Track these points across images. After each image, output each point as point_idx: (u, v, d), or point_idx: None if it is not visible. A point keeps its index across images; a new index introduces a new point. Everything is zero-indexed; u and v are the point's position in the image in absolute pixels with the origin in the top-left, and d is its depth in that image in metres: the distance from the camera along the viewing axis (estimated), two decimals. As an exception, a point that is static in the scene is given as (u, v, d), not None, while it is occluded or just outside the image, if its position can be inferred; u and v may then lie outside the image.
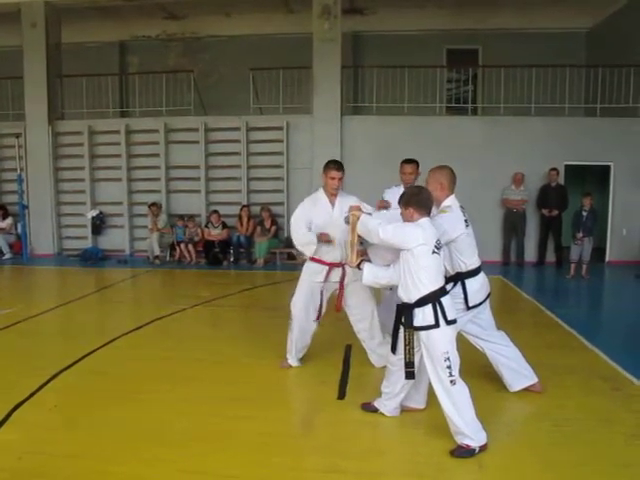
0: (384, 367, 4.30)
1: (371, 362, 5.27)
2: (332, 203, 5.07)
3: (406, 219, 3.76)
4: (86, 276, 11.09)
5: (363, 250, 4.23)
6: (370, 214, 4.22)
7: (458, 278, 4.24)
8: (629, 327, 7.08)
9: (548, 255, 11.85)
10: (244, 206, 12.44)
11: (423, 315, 3.61)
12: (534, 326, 7.07)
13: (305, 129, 12.57)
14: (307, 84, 12.79)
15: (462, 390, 3.63)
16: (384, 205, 5.15)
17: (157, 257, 12.26)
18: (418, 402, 4.20)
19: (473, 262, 4.28)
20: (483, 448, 3.58)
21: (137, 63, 16.15)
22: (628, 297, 9.26)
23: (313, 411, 4.47)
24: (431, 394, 3.92)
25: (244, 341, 6.16)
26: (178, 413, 4.26)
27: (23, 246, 12.75)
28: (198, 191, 12.99)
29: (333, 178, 4.95)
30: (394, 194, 4.76)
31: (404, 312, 3.70)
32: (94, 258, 12.48)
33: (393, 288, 4.29)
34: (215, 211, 12.38)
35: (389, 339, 4.15)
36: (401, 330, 3.77)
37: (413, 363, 3.73)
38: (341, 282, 5.05)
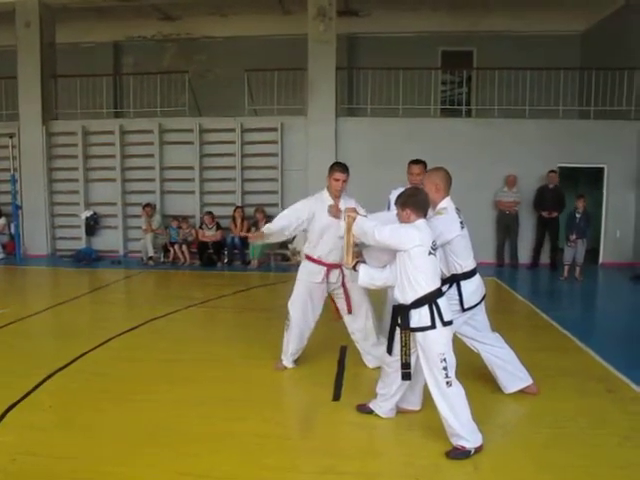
0: (379, 368, 4.31)
1: (365, 363, 5.29)
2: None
3: (403, 220, 3.76)
4: (80, 277, 11.05)
5: (359, 251, 4.23)
6: (365, 216, 4.23)
7: (453, 280, 4.25)
8: (623, 329, 7.11)
9: (543, 257, 11.87)
10: (238, 207, 12.43)
11: (419, 316, 3.62)
12: (528, 328, 7.09)
13: (300, 130, 12.56)
14: (302, 86, 12.79)
15: (458, 391, 3.63)
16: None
17: (151, 258, 12.23)
18: (413, 404, 4.20)
19: (468, 264, 4.28)
20: (478, 450, 3.59)
21: (132, 64, 16.09)
22: (622, 299, 9.30)
23: (308, 412, 4.47)
24: (427, 396, 3.92)
25: (239, 342, 6.15)
26: (173, 414, 4.25)
27: (16, 246, 12.69)
28: (192, 192, 12.97)
29: (337, 180, 4.95)
30: None
31: (400, 313, 3.70)
32: (88, 259, 12.44)
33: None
34: (209, 212, 12.36)
35: (383, 340, 4.16)
36: (397, 331, 3.77)
37: (409, 364, 3.73)
38: (343, 284, 5.06)
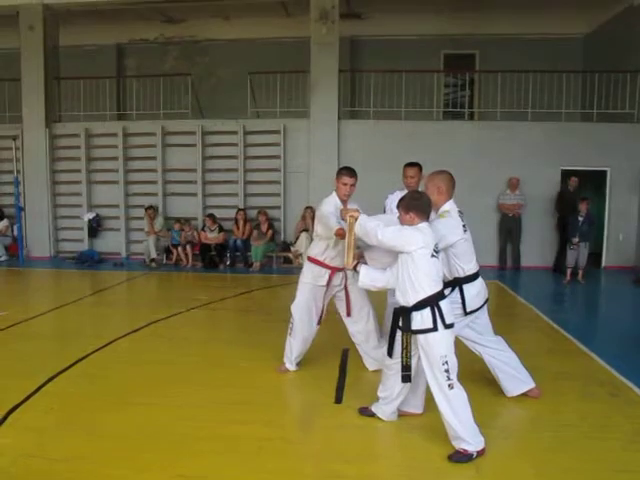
0: (380, 371, 4.29)
1: (366, 366, 5.28)
2: None
3: (406, 223, 3.75)
4: (82, 279, 11.05)
5: (360, 252, 4.22)
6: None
7: (456, 283, 4.24)
8: (626, 332, 7.08)
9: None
10: (240, 209, 12.43)
11: (421, 318, 3.61)
12: (531, 331, 7.06)
13: (302, 133, 12.57)
14: (304, 88, 12.81)
15: (460, 394, 3.62)
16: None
17: (153, 260, 12.23)
18: (416, 407, 4.19)
19: (471, 267, 4.27)
20: (481, 453, 3.58)
21: (135, 66, 16.13)
22: (625, 302, 9.28)
23: (310, 415, 4.46)
24: (428, 399, 3.92)
25: (241, 345, 6.14)
26: (175, 417, 4.25)
27: (19, 248, 12.71)
28: (195, 194, 12.98)
29: (345, 184, 4.94)
30: (397, 200, 4.72)
31: (402, 315, 3.70)
32: (90, 261, 12.45)
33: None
34: (211, 214, 12.36)
35: (384, 343, 4.15)
36: (398, 333, 3.76)
37: (410, 367, 3.73)
38: (345, 287, 5.06)
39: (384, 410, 4.10)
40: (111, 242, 13.35)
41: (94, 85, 13.88)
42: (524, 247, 11.99)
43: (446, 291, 3.89)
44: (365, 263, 4.10)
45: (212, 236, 12.22)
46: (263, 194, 12.83)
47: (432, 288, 3.63)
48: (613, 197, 12.04)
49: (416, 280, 3.61)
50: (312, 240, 5.32)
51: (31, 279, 10.55)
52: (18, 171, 12.87)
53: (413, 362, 3.74)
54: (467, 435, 3.56)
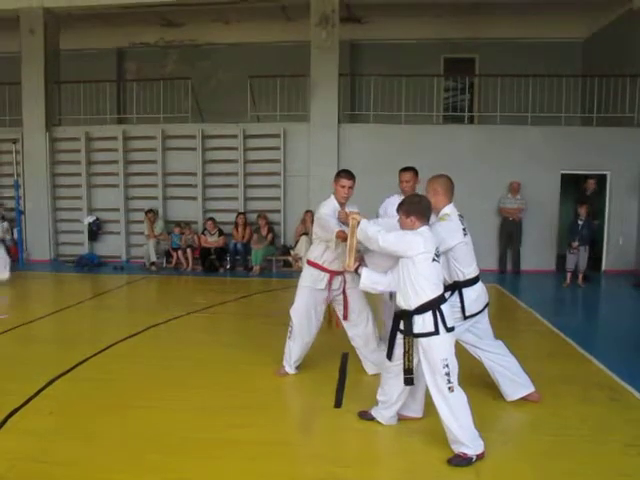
0: (380, 375, 4.29)
1: (365, 370, 5.28)
2: None
3: (406, 227, 3.75)
4: (82, 282, 11.05)
5: (361, 255, 4.22)
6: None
7: (455, 287, 4.24)
8: (626, 336, 7.07)
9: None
10: (240, 213, 12.44)
11: (423, 322, 3.61)
12: (531, 335, 7.06)
13: (302, 137, 12.58)
14: (304, 92, 12.81)
15: (460, 397, 3.62)
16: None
17: (153, 264, 12.23)
18: (415, 411, 4.19)
19: (471, 271, 4.27)
20: (480, 457, 3.57)
21: (135, 70, 16.17)
22: (625, 306, 9.27)
23: (310, 419, 4.46)
24: (428, 403, 3.91)
25: (240, 348, 6.14)
26: (175, 420, 4.25)
27: (19, 252, 12.71)
28: (195, 198, 12.99)
29: (343, 186, 4.95)
30: (393, 204, 4.71)
31: (403, 319, 3.70)
32: (90, 264, 12.44)
33: (393, 296, 4.28)
34: (211, 218, 12.37)
35: (383, 347, 4.14)
36: (399, 337, 3.76)
37: (412, 370, 3.72)
38: (343, 291, 5.06)
39: (383, 414, 4.09)
40: (111, 245, 13.35)
41: (94, 89, 13.88)
42: (524, 251, 11.99)
43: (446, 295, 3.89)
44: (366, 266, 4.10)
45: (212, 240, 12.22)
46: (263, 198, 12.84)
47: (433, 292, 3.63)
48: (613, 201, 12.03)
49: (417, 284, 3.62)
50: (312, 243, 5.32)
51: (31, 282, 10.54)
52: (18, 174, 12.88)
53: (414, 365, 3.74)
54: (467, 439, 3.56)
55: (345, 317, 5.15)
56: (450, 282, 4.23)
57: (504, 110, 12.40)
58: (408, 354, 3.69)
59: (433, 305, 3.62)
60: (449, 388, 3.59)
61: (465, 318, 4.26)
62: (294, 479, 3.48)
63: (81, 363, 5.56)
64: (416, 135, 12.30)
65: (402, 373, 3.75)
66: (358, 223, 3.96)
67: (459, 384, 3.64)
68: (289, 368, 5.26)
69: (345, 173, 5.05)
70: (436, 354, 3.60)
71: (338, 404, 4.59)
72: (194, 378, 5.24)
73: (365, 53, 15.01)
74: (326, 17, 12.14)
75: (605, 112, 12.12)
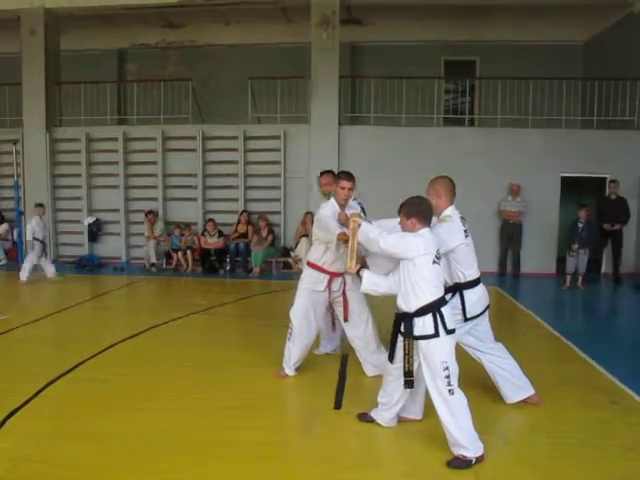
0: (380, 377, 4.29)
1: (365, 372, 5.28)
2: None
3: (407, 229, 3.75)
4: (82, 283, 11.04)
5: (362, 257, 4.22)
6: (370, 222, 4.21)
7: (456, 289, 4.24)
8: (626, 339, 7.08)
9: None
10: (244, 211, 12.47)
11: (423, 324, 3.61)
12: (531, 337, 7.05)
13: (302, 138, 12.59)
14: (305, 94, 12.83)
15: (460, 400, 3.62)
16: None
17: (153, 265, 12.23)
18: (415, 413, 4.18)
19: (472, 273, 4.27)
20: (480, 459, 3.57)
21: (135, 71, 16.18)
22: (624, 309, 9.28)
23: (309, 421, 4.45)
24: (428, 405, 3.91)
25: (240, 350, 6.13)
26: (174, 422, 4.24)
27: (19, 253, 12.68)
28: (195, 199, 13.00)
29: (343, 188, 4.95)
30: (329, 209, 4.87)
31: (404, 321, 3.69)
32: (90, 265, 12.45)
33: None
34: (211, 219, 12.37)
35: (383, 349, 4.13)
36: (399, 339, 3.76)
37: (412, 372, 3.72)
38: (343, 292, 5.05)
39: (383, 416, 4.09)
40: (111, 246, 13.36)
41: (95, 89, 13.91)
42: (524, 253, 11.99)
43: (446, 296, 3.89)
44: (367, 268, 4.10)
45: (212, 241, 12.22)
46: (263, 199, 12.84)
47: (434, 294, 3.63)
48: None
49: (417, 286, 3.61)
50: (312, 245, 5.32)
51: (30, 283, 10.53)
52: (18, 175, 12.84)
53: (414, 368, 3.73)
54: (466, 441, 3.55)
55: (345, 318, 5.15)
56: (451, 284, 4.23)
57: (504, 113, 12.42)
58: (408, 356, 3.69)
59: (433, 307, 3.62)
60: (449, 391, 3.58)
61: (466, 320, 4.26)
62: (294, 481, 3.48)
63: (81, 364, 5.56)
64: (416, 137, 12.32)
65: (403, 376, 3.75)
66: (359, 225, 3.96)
67: (459, 386, 3.64)
68: (289, 370, 5.25)
69: (345, 175, 5.05)
70: (436, 357, 3.60)
71: (338, 406, 4.58)
72: (194, 379, 5.23)
73: (365, 55, 15.02)
74: (327, 19, 12.16)
75: (605, 115, 12.15)
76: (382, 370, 4.54)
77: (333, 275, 5.02)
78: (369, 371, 5.24)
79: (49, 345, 6.64)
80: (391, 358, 3.87)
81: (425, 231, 3.71)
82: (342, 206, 4.98)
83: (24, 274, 10.54)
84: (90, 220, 13.15)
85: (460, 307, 4.22)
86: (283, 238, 12.71)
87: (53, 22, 13.32)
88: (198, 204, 12.98)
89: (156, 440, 3.93)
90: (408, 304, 3.66)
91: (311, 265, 5.11)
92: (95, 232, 13.20)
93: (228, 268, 12.20)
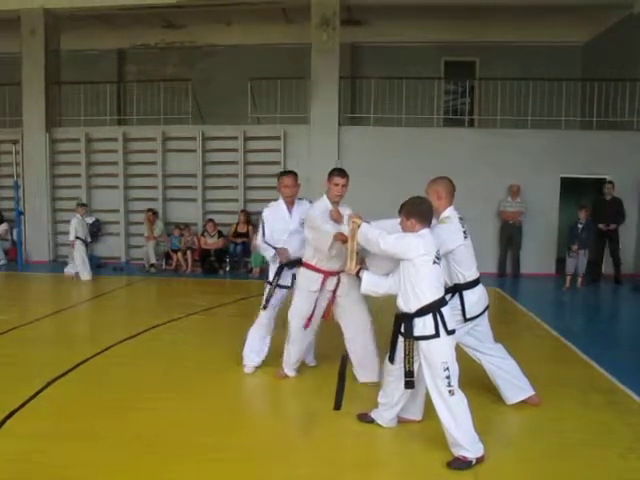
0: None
1: (355, 377, 5.17)
2: None
3: (407, 230, 3.75)
4: (81, 283, 11.03)
5: (362, 258, 4.21)
6: (368, 222, 4.19)
7: (456, 290, 4.24)
8: (626, 340, 7.09)
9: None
10: (243, 210, 12.46)
11: (423, 325, 3.61)
12: (530, 338, 7.04)
13: (302, 139, 12.58)
14: (305, 94, 12.83)
15: (461, 401, 3.62)
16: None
17: (153, 265, 12.23)
18: (415, 414, 4.18)
19: (471, 274, 4.27)
20: (480, 460, 3.56)
21: (135, 71, 16.16)
22: (624, 310, 9.28)
23: (309, 421, 4.44)
24: (428, 406, 3.91)
25: (240, 350, 6.09)
26: (173, 423, 4.23)
27: (18, 252, 12.70)
28: (195, 200, 13.00)
29: (337, 184, 4.90)
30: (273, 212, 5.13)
31: (404, 321, 3.69)
32: (90, 265, 12.41)
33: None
34: (211, 220, 12.36)
35: (382, 354, 4.09)
36: (400, 340, 3.76)
37: (413, 372, 3.71)
38: (334, 291, 5.00)
39: (383, 416, 4.09)
40: (111, 247, 13.36)
41: (95, 90, 13.91)
42: (524, 254, 11.99)
43: (446, 297, 3.89)
44: (367, 269, 4.09)
45: (212, 241, 12.22)
46: (263, 200, 12.74)
47: (434, 295, 3.63)
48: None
49: (418, 287, 3.61)
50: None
51: (30, 283, 10.54)
52: (18, 175, 12.88)
53: (415, 368, 3.73)
54: (466, 442, 3.55)
55: (325, 316, 5.05)
56: (451, 285, 4.23)
57: (504, 113, 12.43)
58: (408, 357, 3.68)
59: (433, 308, 3.61)
60: (449, 391, 3.58)
61: (465, 320, 4.26)
62: (293, 481, 3.47)
63: (80, 364, 5.55)
64: (416, 138, 12.32)
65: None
66: (359, 226, 3.95)
67: (459, 387, 3.64)
68: (289, 370, 5.24)
69: (338, 171, 5.02)
70: (436, 357, 3.59)
71: (338, 406, 4.58)
72: (193, 380, 5.22)
73: (366, 55, 15.02)
74: (327, 19, 12.17)
75: (605, 116, 12.14)
76: (374, 378, 4.66)
77: (327, 274, 4.96)
78: (360, 377, 5.12)
79: (48, 345, 6.62)
80: (391, 359, 3.87)
81: (425, 231, 3.71)
82: (335, 203, 4.94)
83: (84, 274, 10.51)
84: (90, 220, 13.09)
85: (460, 308, 4.22)
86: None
87: (53, 22, 13.33)
88: (198, 204, 12.98)
89: (154, 441, 3.93)
90: (408, 304, 3.66)
91: (305, 265, 5.06)
92: (95, 232, 13.16)
93: (228, 268, 12.19)
